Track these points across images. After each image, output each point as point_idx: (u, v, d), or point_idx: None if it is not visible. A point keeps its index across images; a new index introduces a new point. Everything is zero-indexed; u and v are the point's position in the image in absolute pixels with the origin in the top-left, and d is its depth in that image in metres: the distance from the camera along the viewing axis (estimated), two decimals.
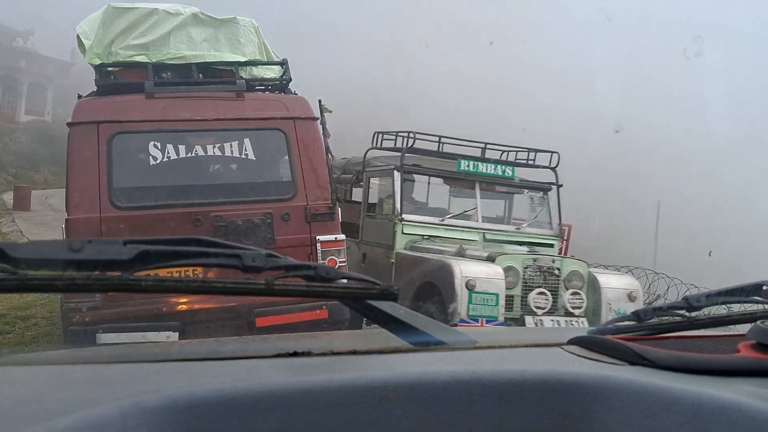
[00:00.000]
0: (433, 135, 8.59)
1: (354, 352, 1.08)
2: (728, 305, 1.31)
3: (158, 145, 5.18)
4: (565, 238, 11.22)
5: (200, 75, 5.80)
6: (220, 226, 5.17)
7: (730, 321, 1.27)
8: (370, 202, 8.87)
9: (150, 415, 0.78)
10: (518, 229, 8.41)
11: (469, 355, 1.13)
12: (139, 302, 4.91)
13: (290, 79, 5.95)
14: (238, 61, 5.89)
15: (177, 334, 4.90)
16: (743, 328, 1.18)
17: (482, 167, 8.32)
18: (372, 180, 8.93)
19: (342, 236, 5.61)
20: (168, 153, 5.21)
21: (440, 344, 1.17)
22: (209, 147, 5.39)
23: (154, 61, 5.67)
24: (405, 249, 7.71)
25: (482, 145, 8.56)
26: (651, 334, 1.24)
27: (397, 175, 8.00)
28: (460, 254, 7.03)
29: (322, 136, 5.72)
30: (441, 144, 8.60)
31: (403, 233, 7.79)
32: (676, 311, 1.25)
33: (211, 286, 1.05)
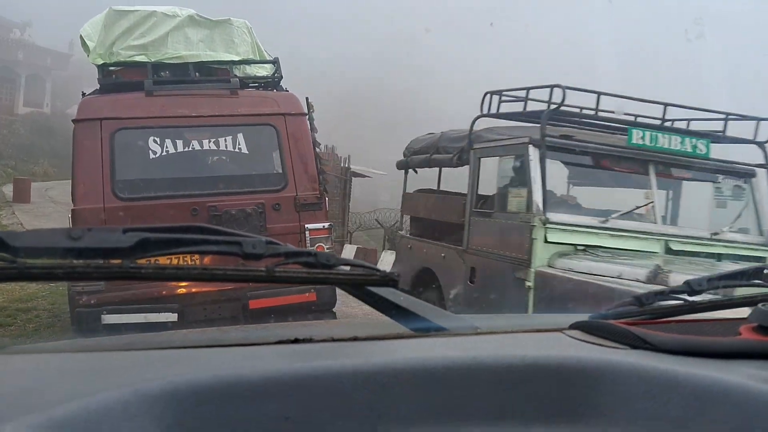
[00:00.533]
0: (586, 91, 5.78)
1: (355, 339, 1.08)
2: (729, 289, 1.31)
3: (157, 140, 5.54)
4: None
5: (197, 73, 6.13)
6: (215, 215, 5.49)
7: (731, 304, 1.26)
8: (480, 193, 6.55)
9: (152, 401, 0.78)
10: (715, 235, 5.76)
11: (470, 340, 1.13)
12: (141, 286, 5.24)
13: (281, 77, 6.29)
14: (233, 60, 6.27)
15: (176, 315, 5.30)
16: (744, 312, 1.17)
17: (663, 140, 5.71)
18: (484, 161, 6.43)
19: (328, 224, 5.94)
20: (167, 147, 5.57)
21: (441, 330, 1.17)
22: (205, 141, 5.74)
23: (153, 60, 6.02)
24: (550, 266, 5.21)
25: (656, 108, 6.07)
26: (652, 318, 1.24)
27: (534, 152, 5.48)
28: (658, 279, 4.37)
29: (310, 131, 6.03)
30: (597, 105, 5.85)
31: (547, 242, 5.24)
32: (678, 295, 1.25)
33: (212, 273, 1.04)
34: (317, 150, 6.20)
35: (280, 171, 5.82)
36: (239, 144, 5.74)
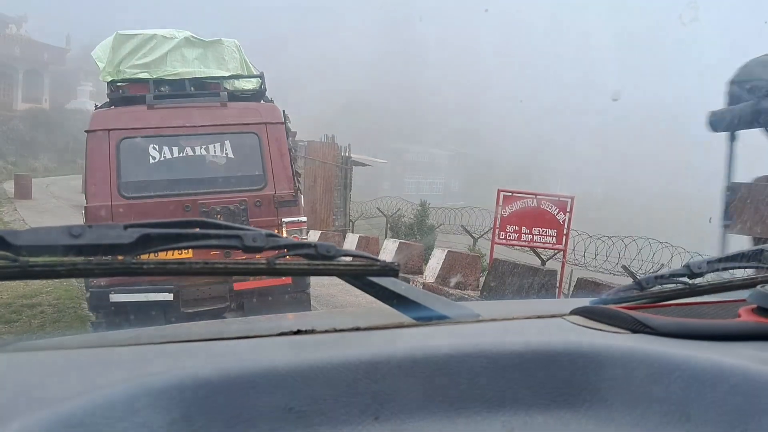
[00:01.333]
0: None
1: (357, 329, 1.09)
2: (729, 271, 1.31)
3: (157, 147, 6.39)
4: (569, 210, 11.14)
5: (192, 88, 6.96)
6: (205, 211, 6.30)
7: (731, 287, 1.27)
8: None
9: (157, 395, 0.79)
10: None
11: (472, 328, 1.13)
12: None
13: (266, 89, 7.18)
14: (223, 76, 7.13)
15: (172, 294, 6.17)
16: (745, 294, 1.18)
17: None
18: None
19: (304, 218, 6.74)
20: (164, 153, 6.42)
21: (443, 318, 1.17)
22: (197, 148, 6.55)
23: (154, 77, 6.90)
24: None
25: None
26: (653, 302, 1.24)
27: None
28: None
29: (287, 137, 6.84)
30: None
31: None
32: (678, 278, 1.25)
33: (213, 267, 1.05)
34: (292, 154, 6.94)
35: (261, 172, 6.61)
36: (226, 149, 6.58)
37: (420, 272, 12.20)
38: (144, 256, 0.99)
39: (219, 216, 6.26)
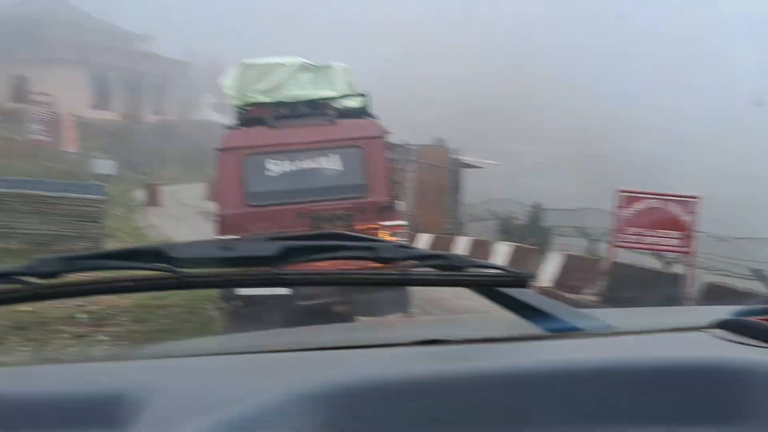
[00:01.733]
0: None
1: (491, 340, 1.10)
2: None
3: (276, 161, 7.56)
4: (694, 211, 10.59)
5: (306, 108, 8.04)
6: (315, 218, 7.28)
7: None
8: None
9: (306, 402, 0.83)
10: None
11: (608, 341, 1.11)
12: None
13: (369, 107, 8.19)
14: (332, 97, 8.17)
15: (290, 290, 6.54)
16: None
17: None
18: None
19: (403, 222, 7.81)
20: (282, 167, 7.58)
21: (576, 330, 1.16)
22: (309, 161, 7.64)
23: (274, 100, 8.04)
24: None
25: None
26: None
27: None
28: None
29: (386, 149, 7.93)
30: None
31: None
32: None
33: (351, 277, 1.09)
34: (392, 164, 8.03)
35: (364, 182, 7.57)
36: (334, 162, 7.59)
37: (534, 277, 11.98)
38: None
39: (329, 221, 7.15)
